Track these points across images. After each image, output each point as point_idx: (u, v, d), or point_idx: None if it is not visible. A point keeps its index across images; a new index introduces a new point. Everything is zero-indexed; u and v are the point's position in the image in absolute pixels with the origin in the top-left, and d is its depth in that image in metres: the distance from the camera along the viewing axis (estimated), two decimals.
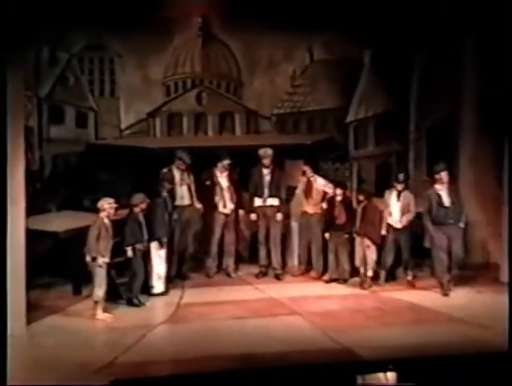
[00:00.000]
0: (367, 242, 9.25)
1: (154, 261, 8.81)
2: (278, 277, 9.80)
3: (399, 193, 9.21)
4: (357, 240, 9.32)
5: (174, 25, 10.91)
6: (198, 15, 11.13)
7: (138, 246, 8.46)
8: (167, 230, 8.96)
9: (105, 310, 8.00)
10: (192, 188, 9.67)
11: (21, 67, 7.74)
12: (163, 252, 8.91)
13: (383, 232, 9.22)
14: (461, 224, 8.92)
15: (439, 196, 8.90)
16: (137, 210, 8.49)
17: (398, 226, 9.17)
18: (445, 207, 8.86)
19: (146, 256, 8.70)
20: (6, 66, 7.22)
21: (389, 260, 9.30)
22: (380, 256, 9.32)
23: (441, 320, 8.06)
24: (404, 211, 9.15)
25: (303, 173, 9.76)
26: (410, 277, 9.26)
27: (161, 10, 10.49)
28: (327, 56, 11.42)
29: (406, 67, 11.00)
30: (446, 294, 8.86)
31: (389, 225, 9.22)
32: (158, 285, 8.89)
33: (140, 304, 8.50)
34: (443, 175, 8.89)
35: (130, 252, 8.39)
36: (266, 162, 9.72)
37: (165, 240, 8.90)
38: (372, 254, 9.26)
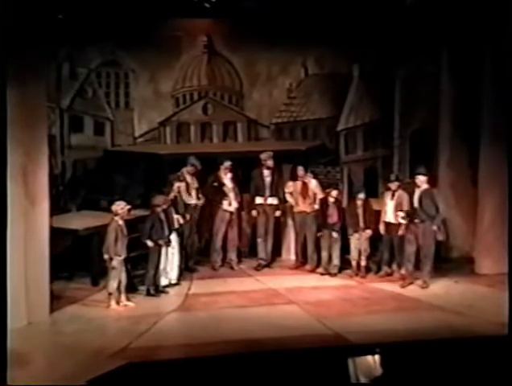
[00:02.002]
0: (367, 234, 9.24)
1: (169, 255, 8.76)
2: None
3: (393, 192, 9.16)
4: (355, 235, 9.29)
5: (182, 43, 10.92)
6: (204, 34, 11.13)
7: (160, 242, 8.44)
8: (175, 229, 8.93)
9: (119, 301, 7.98)
10: (198, 190, 9.64)
11: (44, 82, 7.74)
12: (177, 247, 8.89)
13: (381, 227, 9.21)
14: (434, 226, 8.71)
15: (411, 197, 8.82)
16: (158, 209, 8.48)
17: (393, 221, 9.11)
18: (413, 208, 8.76)
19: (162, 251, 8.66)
20: (31, 80, 7.24)
21: (386, 254, 9.29)
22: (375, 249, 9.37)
23: (421, 308, 8.06)
24: (397, 209, 9.06)
25: (296, 176, 9.71)
26: (403, 271, 9.07)
27: (170, 30, 10.58)
28: (320, 71, 11.41)
29: (390, 81, 11.05)
30: (403, 286, 8.76)
31: (385, 222, 9.20)
32: (172, 277, 8.86)
33: (157, 294, 8.47)
34: (419, 179, 8.76)
35: (150, 244, 8.36)
36: (270, 163, 9.73)
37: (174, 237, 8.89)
38: (368, 246, 9.28)
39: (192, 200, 9.54)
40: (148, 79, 11.04)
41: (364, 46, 10.63)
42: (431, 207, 8.71)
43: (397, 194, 9.15)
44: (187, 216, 9.33)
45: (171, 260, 8.80)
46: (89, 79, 10.95)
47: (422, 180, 8.76)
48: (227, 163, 9.73)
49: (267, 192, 9.80)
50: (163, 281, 8.71)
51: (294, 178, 9.79)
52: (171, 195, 9.01)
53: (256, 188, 9.84)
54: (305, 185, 9.70)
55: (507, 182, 7.67)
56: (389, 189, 9.26)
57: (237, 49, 11.07)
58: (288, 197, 9.81)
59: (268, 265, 9.87)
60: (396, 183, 9.19)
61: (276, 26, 10.21)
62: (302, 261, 9.89)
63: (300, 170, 9.68)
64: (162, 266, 8.61)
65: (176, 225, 8.89)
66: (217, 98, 11.47)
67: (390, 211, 9.14)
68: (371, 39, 10.48)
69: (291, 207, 9.84)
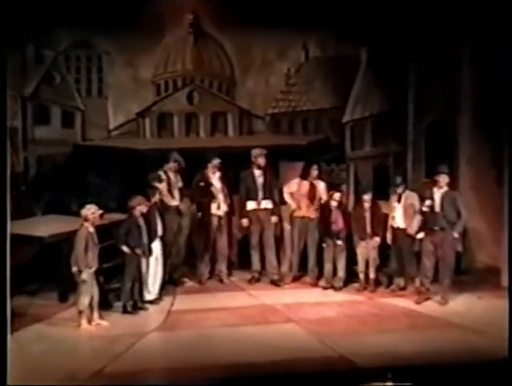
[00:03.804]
0: (375, 242, 9.31)
1: (151, 266, 8.81)
2: (274, 283, 9.81)
3: (400, 195, 9.23)
4: (362, 243, 9.37)
5: (164, 21, 10.93)
6: (189, 11, 11.16)
7: (138, 250, 8.50)
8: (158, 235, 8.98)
9: (91, 319, 8.00)
10: (182, 191, 9.69)
11: (5, 66, 7.75)
12: (160, 257, 8.94)
13: (388, 235, 9.30)
14: (455, 233, 8.77)
15: (432, 200, 8.83)
16: (136, 213, 8.52)
17: (403, 225, 9.17)
18: (434, 213, 8.78)
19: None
20: None
21: (395, 264, 9.36)
22: (385, 259, 9.43)
23: (439, 327, 8.11)
24: (408, 211, 9.12)
25: (306, 175, 9.76)
26: (417, 284, 9.16)
27: (151, 6, 10.55)
28: (322, 54, 11.47)
29: (403, 66, 11.04)
30: (419, 302, 8.83)
31: (393, 228, 9.26)
32: (153, 291, 8.90)
33: (135, 311, 8.52)
34: (441, 179, 8.81)
35: (126, 250, 8.41)
36: (261, 161, 9.73)
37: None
38: (377, 255, 9.36)
39: (175, 202, 9.58)
40: (125, 63, 11.09)
41: (374, 25, 10.64)
42: (453, 212, 8.77)
43: (404, 195, 9.22)
44: (172, 221, 9.37)
45: (153, 272, 8.85)
46: (57, 62, 11.00)
47: (445, 180, 8.81)
48: (216, 161, 9.76)
49: (260, 195, 9.82)
50: (147, 296, 8.76)
51: (303, 177, 9.78)
52: (156, 198, 9.03)
53: (247, 191, 9.84)
54: (313, 187, 9.74)
55: None
56: (394, 191, 9.34)
57: (227, 29, 11.11)
58: (288, 198, 9.82)
59: (276, 280, 9.78)
60: (402, 187, 9.25)
61: (273, 2, 10.25)
62: (298, 273, 9.93)
63: (314, 170, 9.70)
64: (144, 278, 8.65)
65: (160, 232, 8.94)
66: (205, 85, 11.54)
67: (399, 215, 9.22)
68: (382, 17, 10.45)
69: (293, 210, 9.82)
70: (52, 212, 10.32)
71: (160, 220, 8.97)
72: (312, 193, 9.70)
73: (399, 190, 9.25)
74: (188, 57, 11.41)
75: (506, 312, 7.42)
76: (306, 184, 9.74)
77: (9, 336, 6.00)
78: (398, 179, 9.39)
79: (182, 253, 9.88)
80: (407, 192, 9.25)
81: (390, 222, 9.30)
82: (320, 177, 9.85)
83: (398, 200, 9.24)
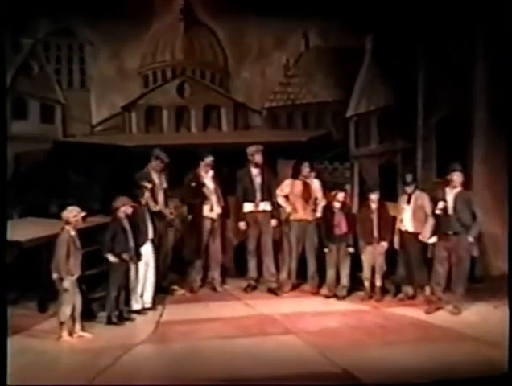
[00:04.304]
0: (382, 248, 9.35)
1: (140, 272, 8.85)
2: (273, 291, 9.85)
3: (409, 195, 9.25)
4: (368, 248, 9.41)
5: (152, 7, 10.96)
6: None
7: (125, 256, 8.53)
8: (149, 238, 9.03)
9: (72, 331, 8.02)
10: (166, 193, 9.68)
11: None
12: (151, 261, 8.98)
13: (396, 239, 9.34)
14: (470, 238, 8.78)
15: (445, 201, 8.83)
16: (121, 215, 8.56)
17: (411, 229, 9.21)
18: (447, 215, 8.81)
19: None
20: None
21: (403, 271, 9.40)
22: (393, 266, 9.47)
23: (451, 338, 8.14)
24: (417, 214, 9.16)
25: (297, 174, 9.79)
26: (427, 293, 9.23)
27: None
28: (324, 43, 11.52)
29: (412, 55, 11.07)
30: (429, 312, 8.88)
31: (401, 232, 9.31)
32: (141, 300, 8.93)
33: (121, 322, 8.54)
34: (456, 177, 8.81)
35: (113, 259, 8.43)
36: (258, 159, 9.76)
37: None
38: (383, 262, 9.40)
39: (158, 206, 9.46)
40: (109, 52, 11.13)
41: (380, 12, 10.66)
42: (467, 215, 8.78)
43: (414, 196, 9.24)
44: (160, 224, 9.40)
45: (143, 279, 8.89)
46: (35, 51, 11.01)
47: (460, 179, 8.80)
48: (208, 159, 9.78)
49: (258, 196, 9.86)
50: (135, 306, 8.80)
51: (294, 176, 9.83)
52: (146, 198, 9.06)
53: (244, 192, 9.88)
54: (307, 186, 9.78)
55: None
56: (404, 192, 9.36)
57: (221, 15, 11.14)
58: (282, 201, 9.85)
59: (275, 288, 9.83)
60: (413, 186, 9.27)
61: None
62: (297, 281, 9.97)
63: (306, 168, 9.73)
64: (132, 285, 8.69)
65: (151, 235, 8.98)
66: (196, 76, 11.57)
67: (408, 217, 9.25)
68: (389, 2, 10.48)
69: (289, 213, 9.86)
70: (31, 215, 10.35)
71: (151, 222, 9.01)
72: (306, 193, 9.74)
73: (409, 189, 9.25)
74: (178, 46, 11.44)
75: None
76: (299, 184, 9.78)
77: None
78: (409, 177, 9.36)
79: (169, 259, 9.89)
80: (418, 192, 9.27)
81: (398, 225, 9.33)
82: (315, 175, 9.89)
83: (408, 201, 9.25)
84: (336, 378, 7.09)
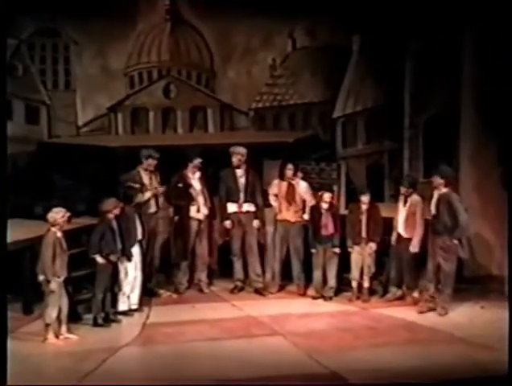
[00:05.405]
0: (370, 249, 9.35)
1: (130, 273, 8.81)
2: (259, 292, 9.83)
3: (406, 198, 9.24)
4: (356, 249, 9.40)
5: (138, 7, 10.95)
6: None
7: (112, 257, 8.48)
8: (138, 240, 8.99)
9: (58, 333, 7.97)
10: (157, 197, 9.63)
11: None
12: (139, 263, 8.95)
13: (393, 237, 9.33)
14: (454, 240, 8.78)
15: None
16: (110, 216, 8.51)
17: (403, 234, 9.22)
18: (433, 217, 8.84)
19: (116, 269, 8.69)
20: None
21: (393, 272, 9.38)
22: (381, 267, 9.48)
23: (439, 340, 8.13)
24: (410, 220, 9.15)
25: (283, 175, 9.77)
26: (416, 294, 9.24)
27: None
28: (311, 43, 11.53)
29: (399, 55, 11.10)
30: (422, 312, 8.89)
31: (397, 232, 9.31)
32: (128, 301, 8.89)
33: (107, 323, 8.50)
34: (434, 180, 8.80)
35: (100, 261, 8.39)
36: (235, 160, 9.75)
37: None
38: (372, 263, 9.39)
39: (152, 206, 9.51)
40: (94, 52, 11.10)
41: (367, 11, 10.67)
42: (449, 217, 8.76)
43: (410, 200, 9.22)
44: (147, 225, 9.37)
45: (131, 280, 8.84)
46: (19, 52, 10.95)
47: (438, 182, 8.80)
48: (197, 160, 9.75)
49: (242, 197, 9.85)
50: (122, 306, 8.76)
51: (281, 177, 9.82)
52: (137, 199, 9.02)
53: (227, 192, 9.87)
54: (291, 187, 9.76)
55: None
56: (401, 193, 9.34)
57: (207, 15, 11.14)
58: (272, 200, 9.89)
59: (261, 289, 9.85)
60: (406, 189, 9.23)
61: None
62: (282, 282, 9.96)
63: (289, 170, 9.72)
64: (120, 286, 8.67)
65: (140, 236, 8.96)
66: (182, 77, 11.56)
67: (401, 221, 9.24)
68: (376, 2, 10.48)
69: (276, 213, 9.87)
70: (15, 216, 10.26)
71: (140, 224, 8.98)
72: (291, 194, 9.73)
73: (403, 190, 9.22)
74: (164, 46, 11.43)
75: (507, 325, 7.46)
76: (284, 185, 9.78)
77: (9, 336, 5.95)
78: (406, 180, 9.43)
79: (157, 261, 9.85)
80: (414, 197, 9.22)
81: (395, 224, 9.34)
82: (302, 177, 9.89)
83: (404, 204, 9.25)
84: (324, 379, 7.07)
